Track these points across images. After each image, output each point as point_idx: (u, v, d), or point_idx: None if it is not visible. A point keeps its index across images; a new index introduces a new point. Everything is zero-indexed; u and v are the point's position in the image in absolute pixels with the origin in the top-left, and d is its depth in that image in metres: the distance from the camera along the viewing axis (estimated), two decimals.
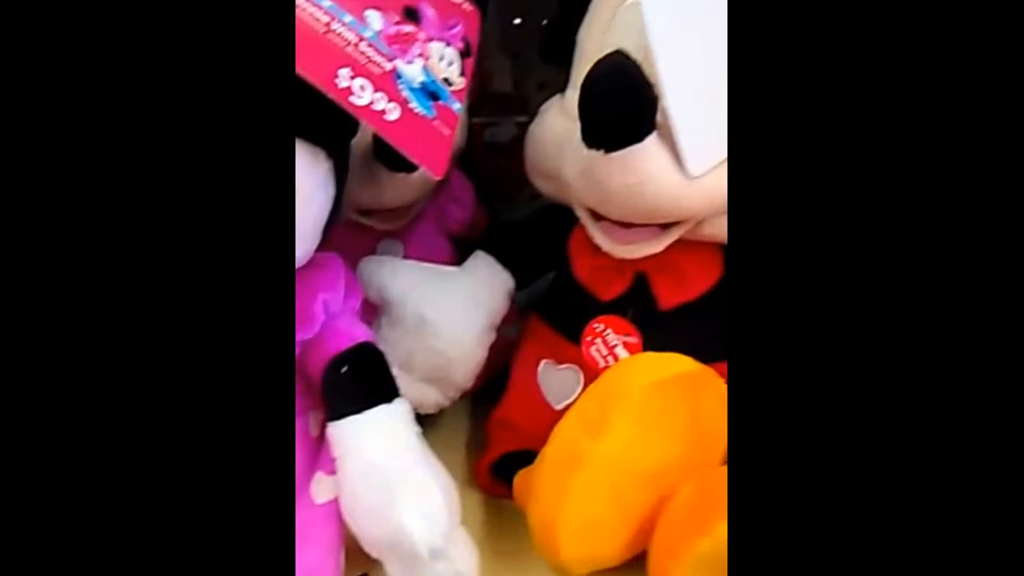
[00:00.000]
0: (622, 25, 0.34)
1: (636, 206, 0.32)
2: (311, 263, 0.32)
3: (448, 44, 0.31)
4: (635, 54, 0.28)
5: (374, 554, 0.31)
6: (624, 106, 0.29)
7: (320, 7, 0.27)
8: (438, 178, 0.31)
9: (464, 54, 0.32)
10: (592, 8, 0.37)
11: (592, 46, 0.35)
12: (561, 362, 0.39)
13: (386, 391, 0.32)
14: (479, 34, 0.33)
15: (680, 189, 0.31)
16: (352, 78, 0.27)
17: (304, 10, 0.27)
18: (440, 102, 0.30)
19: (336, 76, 0.27)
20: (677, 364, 0.30)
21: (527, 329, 0.42)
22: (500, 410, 0.41)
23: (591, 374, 0.36)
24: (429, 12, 0.31)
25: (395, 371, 0.33)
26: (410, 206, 0.42)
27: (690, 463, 0.31)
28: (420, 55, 0.30)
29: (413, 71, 0.29)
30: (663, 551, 0.30)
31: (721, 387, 0.31)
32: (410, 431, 0.32)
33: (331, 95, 0.26)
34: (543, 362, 0.40)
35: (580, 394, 0.35)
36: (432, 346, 0.37)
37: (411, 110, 0.29)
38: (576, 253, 0.39)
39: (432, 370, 0.38)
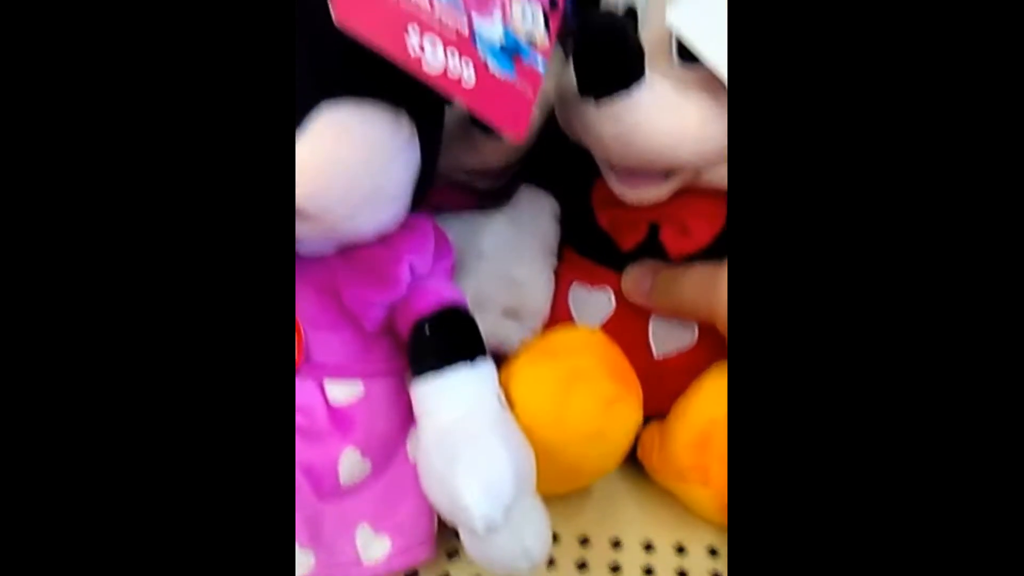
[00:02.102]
0: None
1: (630, 154, 0.34)
2: (400, 225, 0.32)
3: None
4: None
5: (444, 517, 0.31)
6: (610, 56, 0.31)
7: None
8: (519, 143, 0.30)
9: (551, 7, 0.31)
10: None
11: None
12: (594, 284, 0.40)
13: (469, 349, 0.33)
14: None
15: (670, 138, 0.33)
16: (423, 42, 0.27)
17: None
18: (522, 62, 0.29)
19: (405, 39, 0.27)
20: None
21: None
22: None
23: (623, 297, 0.39)
24: None
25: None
26: (510, 165, 0.42)
27: None
28: (500, 12, 0.29)
29: (492, 31, 0.29)
30: None
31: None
32: (490, 392, 0.32)
33: (404, 64, 0.27)
34: (574, 284, 0.41)
35: (611, 316, 0.39)
36: (495, 272, 0.39)
37: (490, 74, 0.28)
38: (598, 204, 0.41)
39: (506, 299, 0.39)
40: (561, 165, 0.42)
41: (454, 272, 0.38)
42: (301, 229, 0.30)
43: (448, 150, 0.36)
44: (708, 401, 0.34)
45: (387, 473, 0.34)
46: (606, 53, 0.31)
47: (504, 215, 0.42)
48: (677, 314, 0.37)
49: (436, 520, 0.34)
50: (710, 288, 0.35)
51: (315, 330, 0.34)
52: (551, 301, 0.41)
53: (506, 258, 0.40)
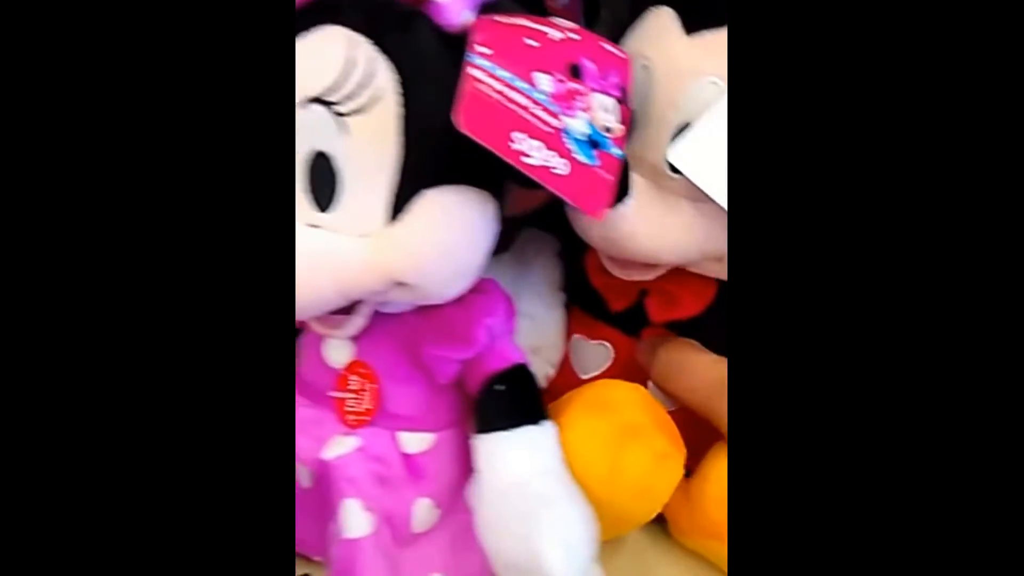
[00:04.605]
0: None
1: (615, 253, 0.38)
2: (474, 289, 0.35)
3: (607, 94, 0.34)
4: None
5: (499, 573, 0.33)
6: None
7: (496, 77, 0.31)
8: (599, 220, 0.33)
9: (621, 100, 0.34)
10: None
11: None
12: (593, 338, 0.43)
13: (535, 413, 0.36)
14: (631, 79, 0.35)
15: (653, 245, 0.36)
16: (525, 140, 0.30)
17: (482, 81, 0.30)
18: (601, 150, 0.33)
19: (510, 139, 0.30)
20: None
21: None
22: None
23: (622, 351, 0.42)
24: (590, 66, 0.33)
25: None
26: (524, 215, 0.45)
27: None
28: (584, 108, 0.33)
29: (579, 125, 0.32)
30: None
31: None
32: (555, 456, 0.35)
33: (506, 158, 0.30)
34: (575, 336, 0.44)
35: (608, 368, 0.42)
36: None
37: (577, 162, 0.32)
38: (591, 268, 0.44)
39: (524, 337, 0.41)
40: (560, 215, 0.44)
41: None
42: (396, 295, 0.33)
43: None
44: None
45: (453, 522, 0.37)
46: None
47: (510, 255, 0.45)
48: (676, 399, 0.39)
49: None
50: (711, 387, 0.36)
51: (390, 382, 0.37)
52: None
53: (517, 296, 0.42)
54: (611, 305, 0.43)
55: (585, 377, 0.43)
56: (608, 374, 0.42)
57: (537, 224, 0.46)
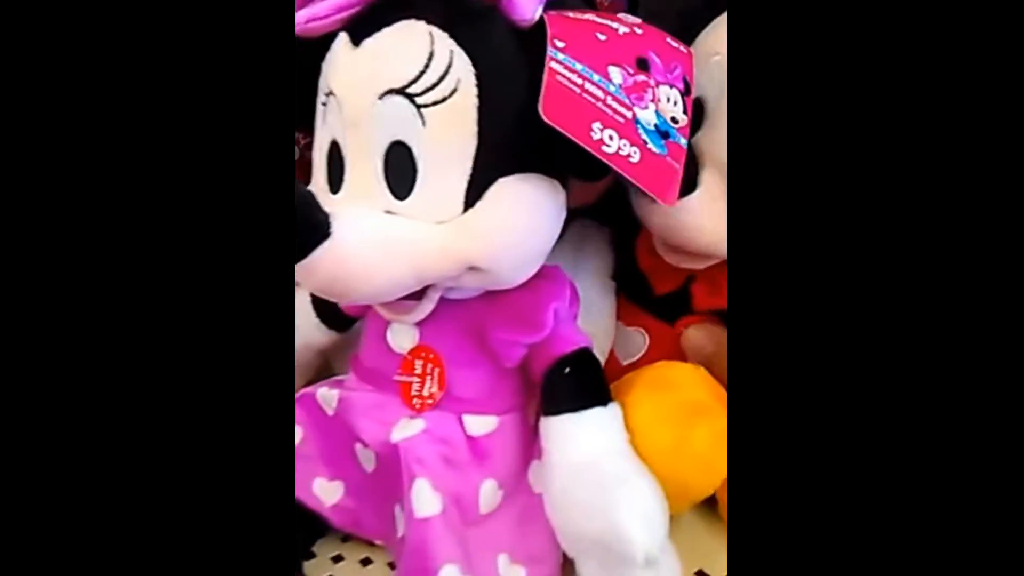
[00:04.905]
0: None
1: (673, 241, 0.40)
2: (539, 274, 0.37)
3: (672, 86, 0.35)
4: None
5: (569, 550, 0.34)
6: None
7: (573, 70, 0.32)
8: (669, 206, 0.35)
9: (685, 92, 0.36)
10: None
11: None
12: (629, 325, 0.45)
13: (602, 395, 0.37)
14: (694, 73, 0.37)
15: (712, 239, 0.37)
16: (603, 130, 0.32)
17: (562, 74, 0.31)
18: (670, 139, 0.34)
19: (590, 129, 0.31)
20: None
21: None
22: None
23: (656, 338, 0.44)
24: (656, 60, 0.35)
25: None
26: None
27: None
28: (652, 100, 0.34)
29: (648, 115, 0.33)
30: None
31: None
32: (622, 436, 0.36)
33: (587, 147, 0.31)
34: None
35: (645, 354, 0.44)
36: None
37: (649, 151, 0.33)
38: (642, 248, 0.45)
39: (580, 322, 0.42)
40: (612, 204, 0.46)
41: None
42: (468, 280, 0.34)
43: None
44: None
45: (516, 503, 0.38)
46: None
47: (565, 243, 0.45)
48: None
49: (562, 553, 0.37)
50: None
51: (454, 366, 0.38)
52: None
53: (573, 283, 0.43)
54: (656, 288, 0.44)
55: (624, 364, 0.44)
56: (645, 360, 0.44)
57: (589, 215, 0.48)
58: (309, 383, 0.43)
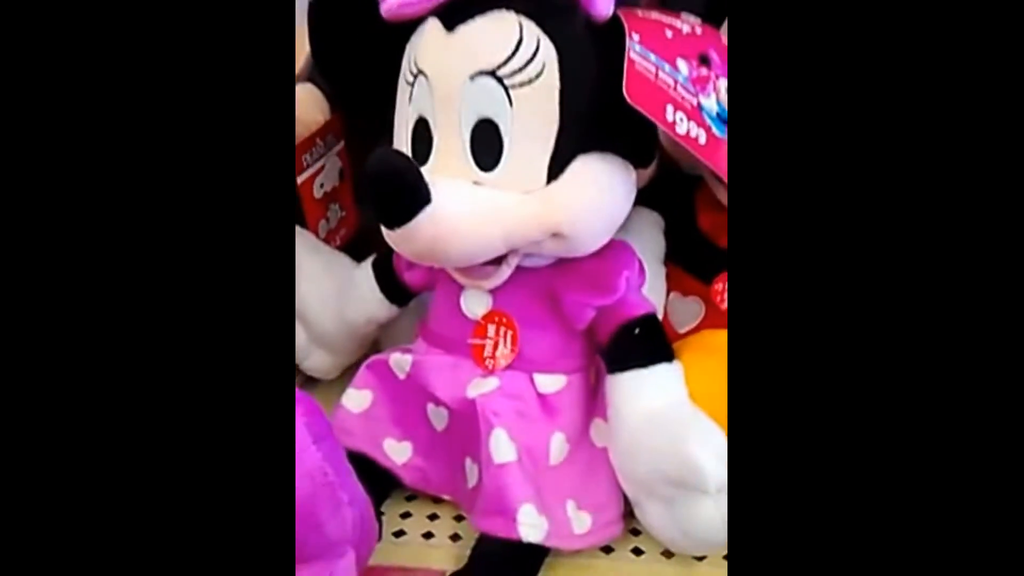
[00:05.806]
0: None
1: None
2: (610, 246, 0.40)
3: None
4: None
5: (635, 495, 0.38)
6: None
7: (649, 60, 0.36)
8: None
9: None
10: None
11: None
12: (687, 294, 0.48)
13: (667, 353, 0.41)
14: None
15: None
16: (675, 112, 0.36)
17: (639, 63, 0.36)
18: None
19: (665, 111, 0.35)
20: None
21: None
22: None
23: (710, 306, 0.47)
24: (715, 56, 0.39)
25: None
26: None
27: None
28: (714, 90, 0.38)
29: (710, 103, 0.38)
30: None
31: None
32: (684, 390, 0.40)
33: (663, 126, 0.35)
34: (672, 293, 0.49)
35: (701, 322, 0.47)
36: None
37: (713, 134, 0.37)
38: (702, 207, 0.48)
39: None
40: (660, 185, 0.49)
41: None
42: (549, 246, 0.38)
43: None
44: None
45: (581, 456, 0.41)
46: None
47: (623, 227, 0.48)
48: None
49: (623, 502, 0.40)
50: None
51: (526, 328, 0.41)
52: None
53: None
54: (720, 242, 0.47)
55: (681, 331, 0.48)
56: (700, 327, 0.48)
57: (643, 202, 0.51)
58: (366, 356, 0.47)
